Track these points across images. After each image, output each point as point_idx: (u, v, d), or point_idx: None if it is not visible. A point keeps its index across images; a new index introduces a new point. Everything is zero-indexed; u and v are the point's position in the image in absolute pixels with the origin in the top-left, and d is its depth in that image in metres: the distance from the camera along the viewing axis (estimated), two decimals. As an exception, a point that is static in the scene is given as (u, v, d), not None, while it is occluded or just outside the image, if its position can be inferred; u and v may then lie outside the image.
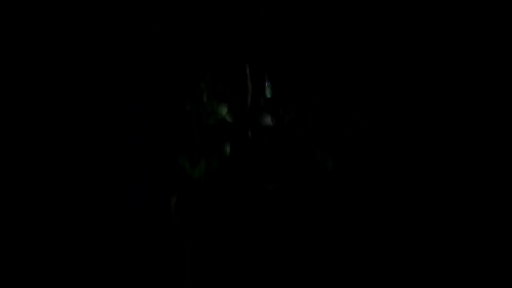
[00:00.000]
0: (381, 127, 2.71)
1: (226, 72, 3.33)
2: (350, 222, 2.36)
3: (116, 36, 2.79)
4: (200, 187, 2.62)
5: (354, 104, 2.90)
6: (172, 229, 2.37)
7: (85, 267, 2.08)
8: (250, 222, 2.52)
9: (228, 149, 2.95)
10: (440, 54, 2.48)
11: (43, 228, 2.17)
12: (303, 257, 2.23)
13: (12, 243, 2.05)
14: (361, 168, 2.66)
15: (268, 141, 3.53)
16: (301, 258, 2.22)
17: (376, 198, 2.44)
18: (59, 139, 2.43)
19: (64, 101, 2.51)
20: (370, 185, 2.56)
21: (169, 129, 2.84)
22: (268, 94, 3.93)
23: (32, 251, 2.07)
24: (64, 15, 2.54)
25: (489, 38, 2.28)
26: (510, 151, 2.10)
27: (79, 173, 2.41)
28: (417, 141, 2.48)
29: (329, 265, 2.14)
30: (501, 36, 2.23)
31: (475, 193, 2.12)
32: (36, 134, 2.35)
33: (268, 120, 4.07)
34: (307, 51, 3.38)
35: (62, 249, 2.13)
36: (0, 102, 2.26)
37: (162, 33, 2.99)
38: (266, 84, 3.96)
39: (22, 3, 2.37)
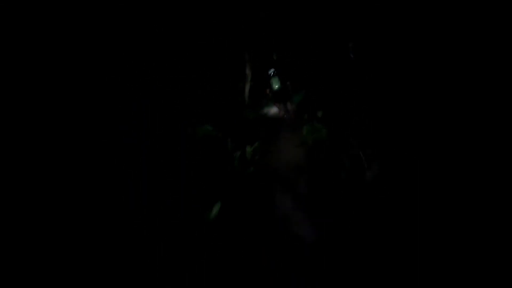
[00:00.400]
0: (381, 127, 2.71)
1: (225, 72, 3.33)
2: (350, 220, 2.36)
3: (116, 36, 2.79)
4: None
5: (354, 104, 2.90)
6: (172, 229, 2.37)
7: (85, 267, 2.08)
8: (249, 224, 2.52)
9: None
10: (440, 55, 2.48)
11: (43, 227, 2.17)
12: (305, 259, 2.23)
13: (12, 243, 2.05)
14: (361, 167, 2.66)
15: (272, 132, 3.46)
16: (302, 260, 2.23)
17: (376, 197, 2.43)
18: (60, 139, 2.42)
19: (65, 101, 2.51)
20: (370, 184, 2.56)
21: (169, 129, 2.84)
22: (275, 84, 3.75)
23: (32, 250, 2.06)
24: (65, 16, 2.54)
25: (489, 38, 2.28)
26: (510, 151, 2.10)
27: (80, 173, 2.41)
28: (417, 141, 2.48)
29: (329, 263, 2.14)
30: (501, 36, 2.23)
31: (475, 192, 2.11)
32: (36, 134, 2.35)
33: (274, 110, 3.95)
34: (307, 51, 3.38)
35: (63, 249, 2.12)
36: (0, 102, 2.26)
37: (162, 33, 2.99)
38: (270, 72, 3.78)
39: (23, 3, 2.37)
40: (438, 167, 2.32)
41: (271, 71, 3.65)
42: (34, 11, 2.42)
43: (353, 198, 2.51)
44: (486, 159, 2.18)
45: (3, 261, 2.00)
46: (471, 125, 2.30)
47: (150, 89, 2.91)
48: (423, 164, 2.38)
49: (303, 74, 3.41)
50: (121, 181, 2.47)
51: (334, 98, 3.05)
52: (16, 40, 2.36)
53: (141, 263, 2.17)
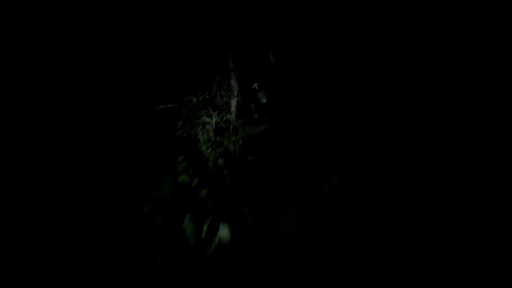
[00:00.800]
0: (381, 127, 2.71)
1: (224, 73, 3.31)
2: (350, 221, 2.36)
3: (116, 36, 2.79)
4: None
5: (354, 104, 2.90)
6: (172, 229, 2.37)
7: (85, 266, 2.08)
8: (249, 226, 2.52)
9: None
10: (439, 55, 2.48)
11: (43, 227, 2.17)
12: (305, 260, 2.23)
13: (12, 243, 2.05)
14: (361, 167, 2.66)
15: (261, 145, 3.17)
16: (302, 262, 2.22)
17: (376, 196, 2.43)
18: (60, 139, 2.43)
19: (65, 102, 2.51)
20: (370, 184, 2.56)
21: (169, 129, 2.84)
22: (261, 98, 3.39)
23: (32, 250, 2.07)
24: (65, 16, 2.54)
25: (489, 38, 2.28)
26: (510, 151, 2.10)
27: (80, 173, 2.41)
28: (417, 141, 2.48)
29: (330, 263, 2.14)
30: (501, 36, 2.23)
31: (475, 192, 2.12)
32: (36, 134, 2.35)
33: (261, 126, 3.61)
34: (307, 52, 3.38)
35: (62, 249, 2.13)
36: (0, 102, 2.27)
37: (162, 34, 2.99)
38: (255, 86, 3.47)
39: (23, 4, 2.37)
40: (439, 166, 2.32)
41: (255, 85, 3.37)
42: (34, 11, 2.42)
43: (354, 199, 2.51)
44: (486, 159, 2.18)
45: (2, 261, 2.00)
46: (471, 125, 2.30)
47: (150, 89, 2.92)
48: (423, 164, 2.38)
49: (302, 74, 3.41)
50: (121, 181, 2.47)
51: (334, 98, 3.05)
52: (16, 40, 2.37)
53: (141, 263, 2.17)
